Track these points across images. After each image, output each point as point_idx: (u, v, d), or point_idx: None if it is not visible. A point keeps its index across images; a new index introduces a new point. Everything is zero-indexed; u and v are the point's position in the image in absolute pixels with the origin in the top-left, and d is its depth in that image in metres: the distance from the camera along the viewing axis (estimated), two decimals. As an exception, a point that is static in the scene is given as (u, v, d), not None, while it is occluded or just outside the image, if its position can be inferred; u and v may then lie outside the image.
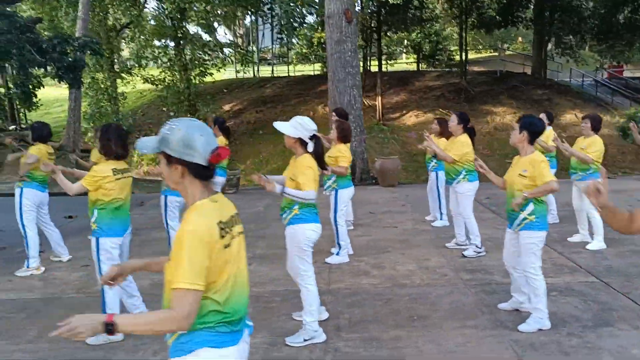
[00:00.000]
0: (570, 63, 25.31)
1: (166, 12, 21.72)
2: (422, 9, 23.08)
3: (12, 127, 21.33)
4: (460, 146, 6.07)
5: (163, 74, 24.96)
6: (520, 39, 43.71)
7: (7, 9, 13.98)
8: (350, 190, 6.36)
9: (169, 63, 24.63)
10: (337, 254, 6.28)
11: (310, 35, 18.76)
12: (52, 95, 32.52)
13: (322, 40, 18.18)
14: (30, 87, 16.53)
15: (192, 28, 27.57)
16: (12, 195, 6.44)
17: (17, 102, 21.44)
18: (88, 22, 18.13)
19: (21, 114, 24.44)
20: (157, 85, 25.16)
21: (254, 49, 30.10)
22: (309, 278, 4.17)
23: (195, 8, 23.67)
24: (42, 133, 6.42)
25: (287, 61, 33.32)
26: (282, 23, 25.34)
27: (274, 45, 31.70)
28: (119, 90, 24.20)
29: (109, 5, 21.99)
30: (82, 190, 4.26)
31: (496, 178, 4.60)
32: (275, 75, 31.30)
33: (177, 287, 1.80)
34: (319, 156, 4.23)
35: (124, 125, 24.72)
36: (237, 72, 29.25)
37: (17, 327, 4.68)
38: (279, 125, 4.22)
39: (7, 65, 16.47)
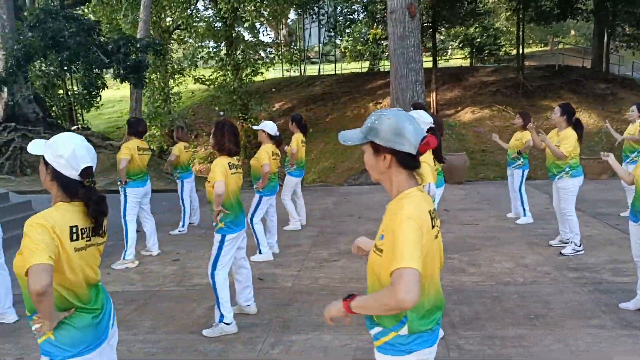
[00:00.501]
0: (636, 56, 24.41)
1: (221, 13, 21.93)
2: (475, 2, 22.66)
3: (74, 127, 21.90)
4: (568, 141, 5.84)
5: (215, 74, 25.27)
6: (573, 32, 42.51)
7: (75, 10, 14.29)
8: (441, 188, 6.25)
9: (220, 63, 24.92)
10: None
11: (365, 32, 18.58)
12: (105, 96, 33.47)
13: (377, 37, 18.02)
14: (95, 88, 16.92)
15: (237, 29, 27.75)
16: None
17: (75, 103, 21.99)
18: (149, 24, 18.46)
19: (78, 115, 25.11)
20: (208, 85, 25.51)
21: (301, 47, 30.08)
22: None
23: (246, 7, 23.89)
24: (137, 129, 6.55)
25: (334, 59, 33.33)
26: (332, 21, 25.36)
27: (321, 44, 31.69)
28: (173, 90, 24.62)
29: (167, 7, 22.36)
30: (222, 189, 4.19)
31: (624, 173, 4.42)
32: (322, 73, 31.35)
33: (397, 268, 1.75)
34: (437, 149, 4.14)
35: (180, 124, 25.18)
36: (287, 70, 29.39)
37: (130, 318, 4.75)
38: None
39: (73, 67, 16.89)
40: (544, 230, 7.21)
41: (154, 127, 23.13)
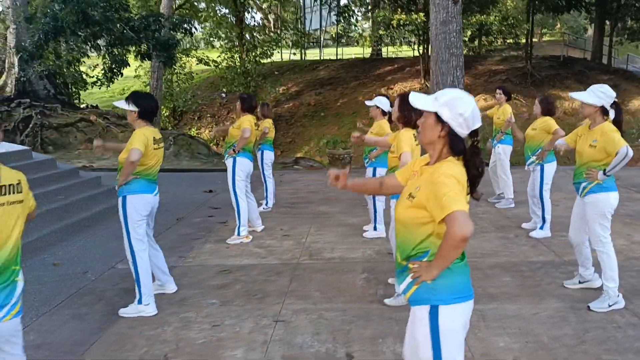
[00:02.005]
0: (629, 49, 25.12)
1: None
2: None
3: (83, 105, 21.49)
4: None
5: (222, 55, 25.04)
6: (558, 25, 43.30)
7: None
8: (555, 165, 6.44)
9: (230, 44, 24.72)
10: (541, 228, 6.39)
11: (388, 17, 18.71)
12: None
13: (401, 22, 18.18)
14: (119, 65, 16.69)
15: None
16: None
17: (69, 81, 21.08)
18: (173, 1, 18.19)
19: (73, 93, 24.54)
20: (216, 66, 25.26)
21: (302, 30, 30.00)
22: (609, 244, 4.27)
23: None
24: (251, 104, 6.56)
25: (342, 43, 33.26)
26: (341, 4, 25.33)
27: (323, 27, 31.66)
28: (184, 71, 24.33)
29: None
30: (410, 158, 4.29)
31: None
32: (323, 58, 31.35)
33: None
34: (619, 124, 4.31)
35: (189, 104, 24.93)
36: (293, 54, 29.34)
37: (294, 289, 4.83)
38: (576, 95, 4.32)
39: (97, 42, 16.59)
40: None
41: (163, 107, 22.86)
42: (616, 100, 4.37)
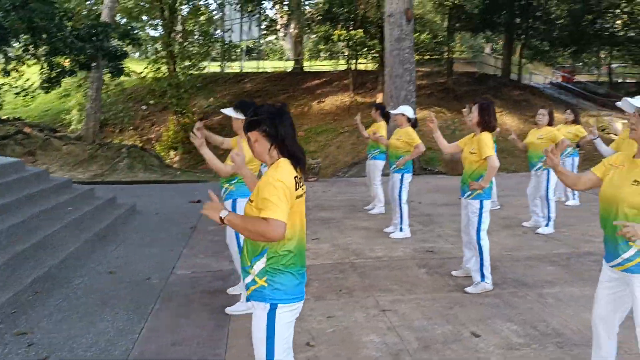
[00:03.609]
0: (530, 66, 27.69)
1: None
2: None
3: (5, 117, 20.18)
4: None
5: (150, 66, 24.56)
6: (459, 44, 46.42)
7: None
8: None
9: (157, 55, 24.29)
10: (547, 225, 7.19)
11: (328, 33, 19.39)
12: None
13: (341, 37, 18.93)
14: (55, 74, 16.09)
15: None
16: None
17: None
18: (114, 10, 17.70)
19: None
20: (143, 78, 24.69)
21: (231, 43, 30.06)
22: None
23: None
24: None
25: (253, 56, 33.54)
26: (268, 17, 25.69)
27: (246, 39, 31.83)
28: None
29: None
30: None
31: None
32: (244, 71, 31.52)
33: None
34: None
35: (122, 116, 24.14)
36: (219, 66, 29.24)
37: (371, 283, 5.20)
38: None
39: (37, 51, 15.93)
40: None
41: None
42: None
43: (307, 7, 26.83)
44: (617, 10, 23.21)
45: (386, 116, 8.60)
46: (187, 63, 24.61)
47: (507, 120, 22.21)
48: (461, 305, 4.64)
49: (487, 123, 4.98)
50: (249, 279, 2.54)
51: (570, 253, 6.19)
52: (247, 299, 2.59)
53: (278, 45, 30.68)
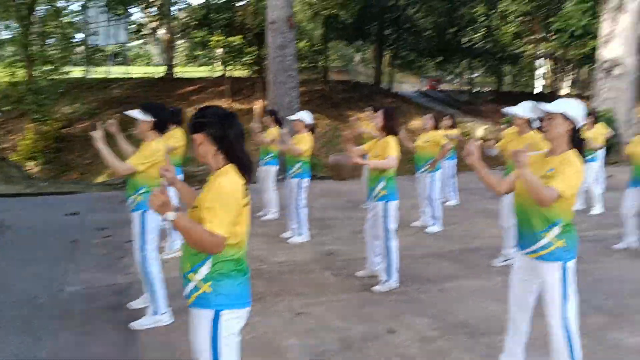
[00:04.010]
0: (403, 75, 29.38)
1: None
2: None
3: None
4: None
5: (6, 69, 22.59)
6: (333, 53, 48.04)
7: None
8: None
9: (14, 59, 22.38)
10: (434, 224, 7.61)
11: (205, 38, 19.00)
12: None
13: (219, 43, 18.65)
14: None
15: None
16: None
17: None
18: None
19: None
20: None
21: (95, 47, 28.47)
22: None
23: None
24: None
25: (117, 61, 31.97)
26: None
27: (111, 44, 30.31)
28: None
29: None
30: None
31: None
32: (111, 76, 29.95)
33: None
34: None
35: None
36: (82, 71, 27.44)
37: (281, 288, 5.15)
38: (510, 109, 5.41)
39: None
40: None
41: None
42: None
43: (179, 13, 26.23)
44: (477, 24, 25.30)
45: (279, 122, 8.63)
46: (48, 67, 22.93)
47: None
48: (372, 304, 4.75)
49: (391, 127, 5.16)
50: (190, 286, 2.42)
51: (460, 249, 6.59)
52: (191, 306, 2.45)
53: (145, 50, 29.47)
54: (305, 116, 7.03)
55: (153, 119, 4.26)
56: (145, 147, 4.30)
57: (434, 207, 7.61)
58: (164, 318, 4.34)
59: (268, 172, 8.54)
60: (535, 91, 32.15)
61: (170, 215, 2.21)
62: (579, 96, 29.75)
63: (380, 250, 5.29)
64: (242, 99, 24.50)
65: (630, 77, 14.89)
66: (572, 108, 3.00)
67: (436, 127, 7.66)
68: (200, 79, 28.45)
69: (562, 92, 31.90)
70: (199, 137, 2.39)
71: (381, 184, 5.10)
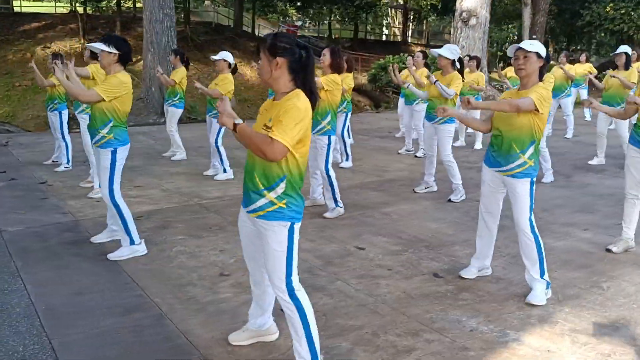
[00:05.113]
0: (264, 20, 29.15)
1: None
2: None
3: None
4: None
5: None
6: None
7: None
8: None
9: None
10: (347, 159, 8.13)
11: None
12: None
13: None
14: None
15: None
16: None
17: None
18: None
19: None
20: None
21: None
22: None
23: None
24: None
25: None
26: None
27: None
28: None
29: None
30: None
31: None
32: None
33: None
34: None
35: None
36: None
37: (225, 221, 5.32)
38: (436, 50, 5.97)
39: None
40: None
41: None
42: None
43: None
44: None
45: (186, 62, 8.46)
46: None
47: (246, 70, 23.19)
48: (329, 228, 5.17)
49: (337, 65, 5.48)
50: (263, 201, 2.61)
51: (378, 181, 7.19)
52: (261, 217, 2.64)
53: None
54: (229, 56, 7.02)
55: (117, 52, 4.17)
56: (111, 78, 4.22)
57: (345, 144, 8.13)
58: (140, 248, 4.38)
59: (173, 113, 8.39)
60: (385, 39, 33.90)
61: (238, 120, 2.45)
62: (427, 45, 32.13)
63: (322, 182, 5.70)
64: (98, 38, 22.66)
65: (483, 27, 16.50)
66: (542, 49, 3.58)
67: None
68: (46, 14, 25.74)
69: (409, 40, 34.21)
70: (280, 60, 2.54)
71: (327, 119, 5.45)
